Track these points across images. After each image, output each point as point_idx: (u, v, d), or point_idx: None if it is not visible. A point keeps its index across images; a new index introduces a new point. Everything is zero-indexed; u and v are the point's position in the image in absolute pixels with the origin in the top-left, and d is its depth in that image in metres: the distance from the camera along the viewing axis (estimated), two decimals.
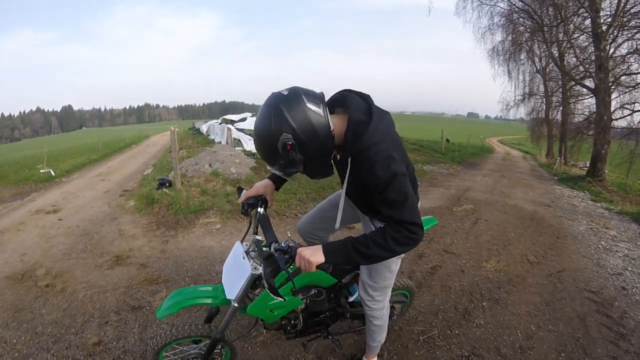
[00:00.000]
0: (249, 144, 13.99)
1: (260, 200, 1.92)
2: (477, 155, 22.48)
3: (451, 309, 3.38)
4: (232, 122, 21.89)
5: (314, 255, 1.43)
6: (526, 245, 5.21)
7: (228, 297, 1.82)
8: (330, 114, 1.49)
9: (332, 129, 1.44)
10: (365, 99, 1.60)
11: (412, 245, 1.48)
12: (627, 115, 14.12)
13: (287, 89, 1.42)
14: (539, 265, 4.53)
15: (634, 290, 3.99)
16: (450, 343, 2.87)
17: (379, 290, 2.00)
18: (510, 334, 3.03)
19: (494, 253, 4.82)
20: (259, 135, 1.44)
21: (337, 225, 1.82)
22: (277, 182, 2.01)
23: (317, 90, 1.47)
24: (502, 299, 3.61)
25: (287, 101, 1.38)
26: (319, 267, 1.43)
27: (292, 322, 2.11)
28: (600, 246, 5.45)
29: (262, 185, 1.97)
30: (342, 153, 1.56)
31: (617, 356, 2.83)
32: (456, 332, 3.02)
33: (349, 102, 1.55)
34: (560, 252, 5.04)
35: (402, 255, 1.94)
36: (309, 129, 1.37)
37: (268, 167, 1.54)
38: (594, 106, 15.62)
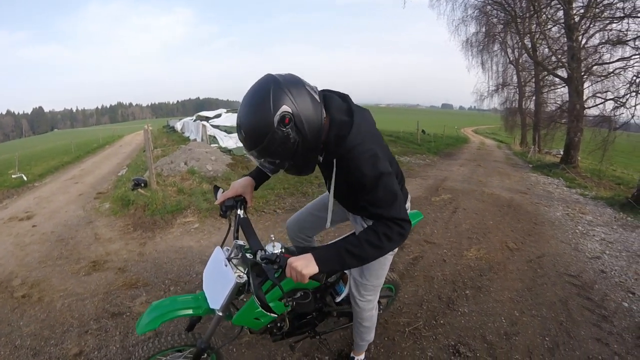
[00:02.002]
0: (225, 141, 13.84)
1: (239, 201, 1.82)
2: (452, 146, 22.73)
3: (435, 299, 3.40)
4: (207, 118, 21.63)
5: (307, 266, 1.36)
6: (505, 233, 5.30)
7: (212, 306, 1.72)
8: None
9: (324, 116, 1.41)
10: (344, 98, 1.57)
11: (401, 241, 1.47)
12: (599, 104, 14.45)
13: (284, 73, 1.38)
14: (519, 251, 4.61)
15: (613, 273, 4.10)
16: (436, 333, 2.89)
17: (370, 289, 1.98)
18: (495, 321, 3.08)
19: (474, 241, 4.88)
20: (252, 107, 1.33)
21: (328, 224, 1.79)
22: (257, 180, 1.91)
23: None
24: (484, 286, 3.66)
25: (286, 79, 1.33)
26: (312, 278, 1.37)
27: (279, 324, 2.05)
28: (577, 231, 5.59)
29: (240, 184, 1.85)
30: (325, 155, 1.51)
31: (600, 337, 2.90)
32: (441, 321, 3.04)
33: (330, 102, 1.51)
34: (538, 238, 5.15)
35: (395, 252, 1.93)
36: (308, 107, 1.32)
37: (246, 152, 1.42)
38: (567, 95, 15.96)
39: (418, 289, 3.57)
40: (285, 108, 1.27)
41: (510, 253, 4.54)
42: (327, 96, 1.54)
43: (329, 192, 1.63)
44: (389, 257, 1.93)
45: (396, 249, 1.86)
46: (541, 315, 3.18)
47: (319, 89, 1.49)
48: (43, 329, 3.05)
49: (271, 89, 1.28)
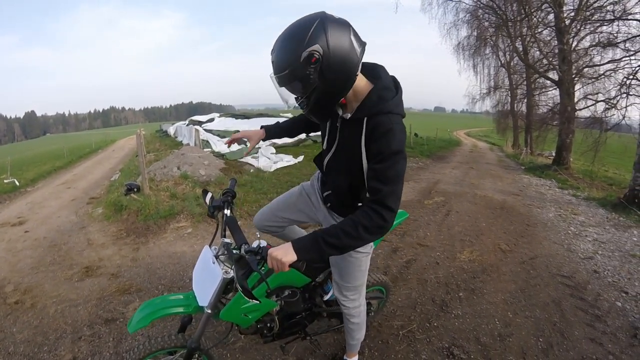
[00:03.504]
0: (218, 145, 13.82)
1: (226, 202, 1.86)
2: (445, 149, 22.78)
3: (428, 301, 3.41)
4: (200, 123, 21.62)
5: (286, 254, 1.36)
6: (498, 235, 5.33)
7: (200, 304, 1.76)
8: None
9: (357, 73, 1.39)
10: (393, 77, 1.57)
11: (381, 234, 1.43)
12: (590, 106, 14.62)
13: (338, 16, 1.35)
14: (512, 253, 4.64)
15: (605, 273, 4.13)
16: (430, 336, 2.89)
17: (352, 289, 1.99)
18: (489, 323, 3.09)
19: (467, 244, 4.90)
20: (289, 37, 1.32)
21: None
22: (268, 133, 2.08)
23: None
24: (478, 288, 3.68)
25: (335, 21, 1.31)
26: (292, 265, 1.38)
27: (268, 325, 2.07)
28: (569, 232, 5.63)
29: (251, 130, 2.05)
30: (357, 113, 1.49)
31: (594, 337, 2.91)
32: (435, 324, 3.05)
33: (380, 72, 1.52)
34: (531, 240, 5.18)
35: (371, 252, 1.96)
36: (341, 55, 1.30)
37: (272, 75, 1.39)
38: (558, 97, 16.09)
39: (411, 292, 3.58)
40: (317, 47, 1.26)
41: (503, 255, 4.57)
42: (380, 67, 1.55)
43: (328, 152, 1.70)
44: (365, 259, 1.92)
45: (371, 249, 1.92)
46: (534, 317, 3.19)
47: None
48: (36, 335, 3.03)
49: (315, 23, 1.27)
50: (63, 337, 2.98)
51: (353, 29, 1.34)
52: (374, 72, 1.52)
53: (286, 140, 13.28)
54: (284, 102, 1.51)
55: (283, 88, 1.42)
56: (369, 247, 1.91)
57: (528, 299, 3.50)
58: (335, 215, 1.88)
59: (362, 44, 1.37)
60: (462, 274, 3.98)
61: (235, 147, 13.44)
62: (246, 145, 1.99)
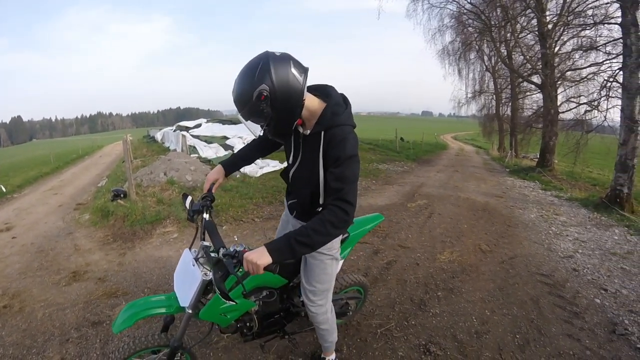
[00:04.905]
0: (205, 151, 13.83)
1: (205, 206, 1.96)
2: (431, 152, 23.02)
3: (407, 301, 3.50)
4: (187, 128, 21.53)
5: (261, 257, 1.47)
6: (479, 236, 5.44)
7: (182, 304, 1.84)
8: (309, 92, 1.67)
9: (304, 99, 1.58)
10: (342, 94, 1.79)
11: (345, 227, 1.59)
12: (573, 108, 14.86)
13: (280, 52, 1.56)
14: (492, 253, 4.75)
15: (585, 271, 4.24)
16: (407, 333, 2.98)
17: (319, 294, 2.07)
18: (466, 321, 3.17)
19: (447, 245, 5.00)
20: (241, 79, 1.53)
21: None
22: (227, 168, 2.21)
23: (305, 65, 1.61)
24: (456, 287, 3.77)
25: (276, 59, 1.50)
26: (266, 268, 1.47)
27: (248, 324, 2.14)
28: (550, 232, 5.77)
29: (213, 172, 2.17)
30: (315, 128, 1.68)
31: (571, 333, 3.00)
32: (413, 322, 3.13)
33: (330, 91, 1.74)
34: (511, 240, 5.29)
35: (339, 260, 2.10)
36: (285, 89, 1.50)
37: (237, 113, 1.62)
38: (542, 101, 16.38)
39: (391, 292, 3.66)
40: (263, 87, 1.47)
41: (483, 255, 4.67)
42: (330, 87, 1.77)
43: (294, 165, 1.88)
44: (328, 261, 2.02)
45: (337, 254, 2.04)
46: (512, 314, 3.27)
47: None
48: (25, 338, 3.07)
49: (259, 66, 1.48)
50: (51, 340, 3.03)
51: (294, 60, 1.55)
52: (325, 91, 1.75)
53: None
54: (252, 133, 1.73)
55: (249, 121, 1.63)
56: (335, 252, 2.02)
57: (506, 297, 3.59)
58: (300, 222, 2.00)
59: (304, 70, 1.57)
60: (442, 274, 4.07)
61: (222, 152, 13.45)
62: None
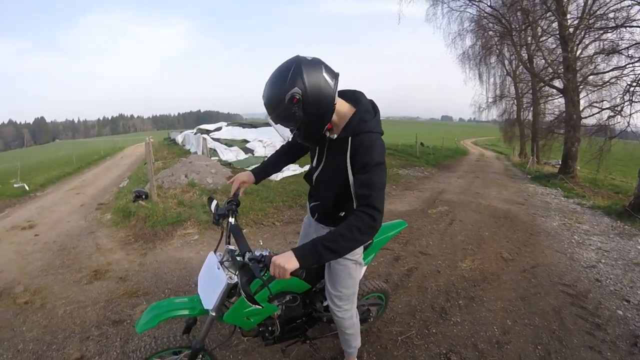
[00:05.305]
0: (225, 154, 13.95)
1: (231, 210, 1.97)
2: (451, 158, 22.75)
3: (428, 308, 3.45)
4: (208, 131, 21.77)
5: (288, 262, 1.47)
6: (500, 244, 5.35)
7: (205, 307, 1.85)
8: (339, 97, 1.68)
9: (334, 103, 1.60)
10: (371, 101, 1.79)
11: (372, 234, 1.58)
12: (595, 114, 14.49)
13: (311, 57, 1.57)
14: (513, 262, 4.65)
15: (607, 282, 4.13)
16: (428, 342, 2.94)
17: (345, 298, 2.06)
18: (487, 330, 3.11)
19: (469, 252, 4.93)
20: (273, 82, 1.55)
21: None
22: (257, 176, 2.22)
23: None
24: (477, 296, 3.70)
25: (308, 64, 1.52)
26: (292, 273, 1.47)
27: (270, 328, 2.14)
28: (573, 240, 5.63)
29: (244, 174, 2.20)
30: (342, 133, 1.70)
31: (593, 345, 2.92)
32: (434, 330, 3.09)
33: (360, 97, 1.75)
34: (534, 249, 5.18)
35: (363, 265, 2.09)
36: (317, 93, 1.51)
37: (267, 117, 1.64)
38: (564, 106, 16.01)
39: (411, 299, 3.62)
40: (296, 90, 1.48)
41: (504, 263, 4.58)
42: (359, 93, 1.79)
43: (317, 168, 1.89)
44: (355, 267, 2.02)
45: (361, 259, 2.03)
46: (534, 324, 3.20)
47: None
48: (45, 334, 3.12)
49: (291, 69, 1.50)
50: (71, 337, 3.07)
51: (325, 65, 1.57)
52: (355, 97, 1.76)
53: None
54: (281, 136, 1.77)
55: (278, 124, 1.64)
56: (358, 256, 2.01)
57: (528, 307, 3.51)
58: (321, 226, 2.02)
59: (335, 76, 1.59)
60: (463, 282, 4.01)
61: (242, 155, 13.54)
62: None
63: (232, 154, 13.86)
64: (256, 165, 2.32)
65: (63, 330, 3.19)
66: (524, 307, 3.51)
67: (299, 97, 1.49)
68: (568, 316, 3.36)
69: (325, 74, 1.54)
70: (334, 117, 1.67)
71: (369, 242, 2.24)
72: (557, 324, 3.22)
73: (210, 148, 14.81)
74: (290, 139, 1.86)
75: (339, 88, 1.63)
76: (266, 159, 2.36)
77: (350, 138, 1.67)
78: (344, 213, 1.90)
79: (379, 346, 2.86)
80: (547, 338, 3.01)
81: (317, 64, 1.54)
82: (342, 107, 1.69)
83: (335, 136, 1.73)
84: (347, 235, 1.51)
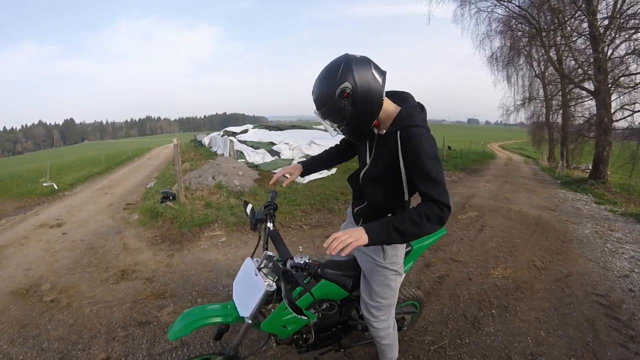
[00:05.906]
0: (252, 156, 14.02)
1: (269, 215, 1.95)
2: (478, 162, 22.43)
3: (460, 317, 3.37)
4: (234, 134, 21.98)
5: (360, 237, 1.46)
6: (532, 251, 5.21)
7: (241, 314, 1.80)
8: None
9: (383, 99, 1.61)
10: (419, 102, 1.79)
11: (439, 225, 1.54)
12: (627, 116, 14.10)
13: (360, 55, 1.60)
14: (546, 270, 4.52)
15: None
16: (461, 352, 2.86)
17: (383, 309, 1.99)
18: (521, 341, 3.02)
19: (500, 260, 4.81)
20: (323, 78, 1.58)
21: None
22: (305, 167, 2.27)
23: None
24: (510, 306, 3.60)
25: (358, 61, 1.55)
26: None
27: (304, 336, 2.09)
28: (606, 249, 5.46)
29: (292, 166, 2.27)
30: (390, 128, 1.69)
31: (627, 359, 2.83)
32: (467, 341, 3.01)
33: (408, 97, 1.77)
34: (566, 257, 5.04)
35: (402, 274, 2.00)
36: (366, 88, 1.54)
37: (315, 111, 1.65)
38: (594, 108, 15.62)
39: (444, 307, 3.54)
40: (346, 84, 1.51)
41: (537, 272, 4.45)
42: (406, 94, 1.80)
43: (365, 165, 1.86)
44: (395, 277, 1.95)
45: (401, 269, 1.96)
46: (568, 336, 3.12)
47: None
48: (71, 334, 3.15)
49: (342, 65, 1.53)
50: (97, 337, 3.09)
51: (373, 63, 1.59)
52: (402, 97, 1.78)
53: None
54: (329, 132, 1.75)
55: (327, 120, 1.66)
56: (400, 267, 1.94)
57: (562, 317, 3.41)
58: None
59: (383, 73, 1.61)
60: (495, 291, 3.91)
61: (269, 157, 13.60)
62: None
63: (258, 157, 13.90)
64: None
65: (89, 330, 3.21)
66: (557, 318, 3.40)
67: (349, 92, 1.52)
68: (602, 327, 3.26)
69: (373, 71, 1.56)
70: (381, 115, 1.67)
71: (408, 249, 2.17)
72: (591, 336, 3.12)
73: (237, 150, 14.92)
74: (341, 141, 1.85)
75: (386, 88, 1.63)
76: (316, 154, 2.38)
77: (398, 132, 1.65)
78: (391, 215, 1.82)
79: (411, 356, 2.79)
80: (581, 350, 2.92)
81: (365, 61, 1.57)
82: (389, 106, 1.70)
83: (384, 131, 1.72)
84: (416, 221, 1.50)
